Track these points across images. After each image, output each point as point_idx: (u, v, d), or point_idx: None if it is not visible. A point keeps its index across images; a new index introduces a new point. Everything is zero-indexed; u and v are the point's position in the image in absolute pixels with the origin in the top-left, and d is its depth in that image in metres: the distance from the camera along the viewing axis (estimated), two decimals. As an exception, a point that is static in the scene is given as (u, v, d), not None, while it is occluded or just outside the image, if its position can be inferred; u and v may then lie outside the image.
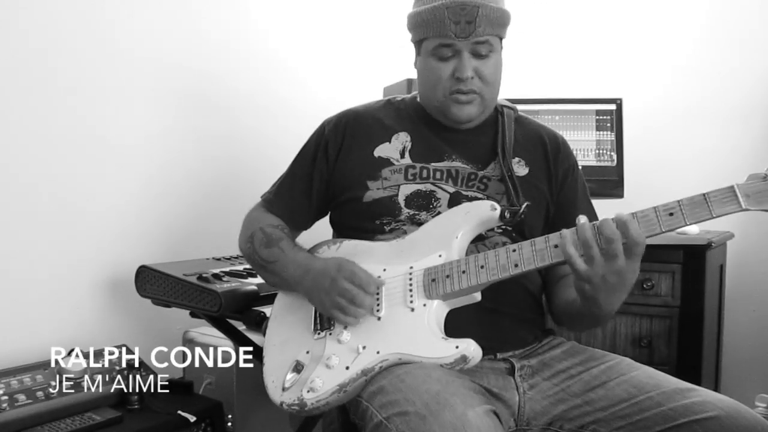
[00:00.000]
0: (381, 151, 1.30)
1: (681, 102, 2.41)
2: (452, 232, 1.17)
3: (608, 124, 2.14)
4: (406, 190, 1.27)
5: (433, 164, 1.28)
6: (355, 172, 1.30)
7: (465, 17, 1.19)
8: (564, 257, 1.03)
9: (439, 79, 1.25)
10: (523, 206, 1.19)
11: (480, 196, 1.26)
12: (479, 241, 1.22)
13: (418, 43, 1.29)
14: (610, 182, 2.11)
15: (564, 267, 1.24)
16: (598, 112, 2.15)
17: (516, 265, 1.09)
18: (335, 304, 1.14)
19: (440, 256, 1.16)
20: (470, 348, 1.04)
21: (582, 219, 1.03)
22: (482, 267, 1.11)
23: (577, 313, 1.15)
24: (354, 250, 1.24)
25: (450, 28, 1.20)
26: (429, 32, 1.24)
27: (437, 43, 1.23)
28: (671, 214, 1.01)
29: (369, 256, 1.20)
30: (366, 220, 1.27)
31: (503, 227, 1.24)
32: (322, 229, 1.41)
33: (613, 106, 2.15)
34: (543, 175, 1.32)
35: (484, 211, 1.17)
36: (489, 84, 1.25)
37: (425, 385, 0.98)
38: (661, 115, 2.43)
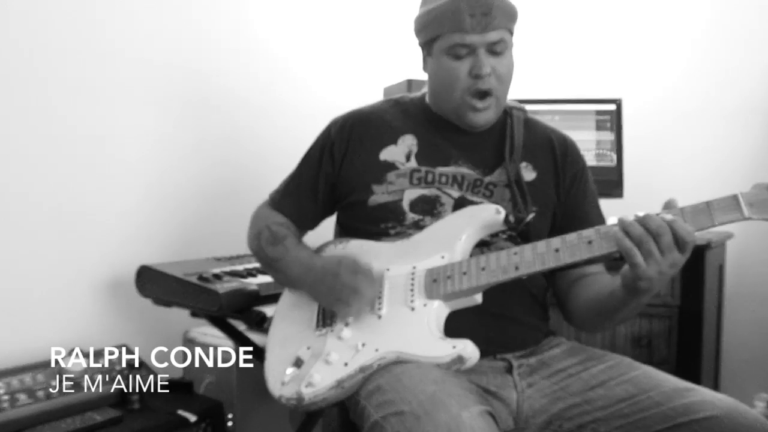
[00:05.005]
0: (387, 154, 1.29)
1: (681, 102, 2.41)
2: (456, 234, 1.18)
3: (608, 124, 2.14)
4: (411, 194, 1.26)
5: (439, 168, 1.27)
6: (360, 176, 1.29)
7: (480, 9, 1.17)
8: (621, 252, 0.99)
9: (457, 79, 1.22)
10: (529, 216, 1.20)
11: (486, 202, 1.25)
12: (484, 247, 1.22)
13: (430, 42, 1.25)
14: (610, 182, 2.11)
15: (578, 270, 1.24)
16: (598, 112, 2.15)
17: (516, 268, 1.09)
18: (340, 297, 1.15)
19: (443, 257, 1.16)
20: (467, 349, 1.04)
21: (613, 219, 1.03)
22: (483, 269, 1.11)
23: (612, 308, 1.12)
24: (360, 250, 1.24)
25: (466, 21, 1.17)
26: (444, 28, 1.21)
27: (452, 42, 1.20)
28: None
29: (374, 255, 1.20)
30: (371, 224, 1.27)
31: (509, 234, 1.23)
32: (325, 228, 1.42)
33: (613, 106, 2.15)
34: (550, 180, 1.31)
35: (488, 215, 1.17)
36: (503, 83, 1.24)
37: (421, 386, 0.98)
38: (661, 115, 2.43)
